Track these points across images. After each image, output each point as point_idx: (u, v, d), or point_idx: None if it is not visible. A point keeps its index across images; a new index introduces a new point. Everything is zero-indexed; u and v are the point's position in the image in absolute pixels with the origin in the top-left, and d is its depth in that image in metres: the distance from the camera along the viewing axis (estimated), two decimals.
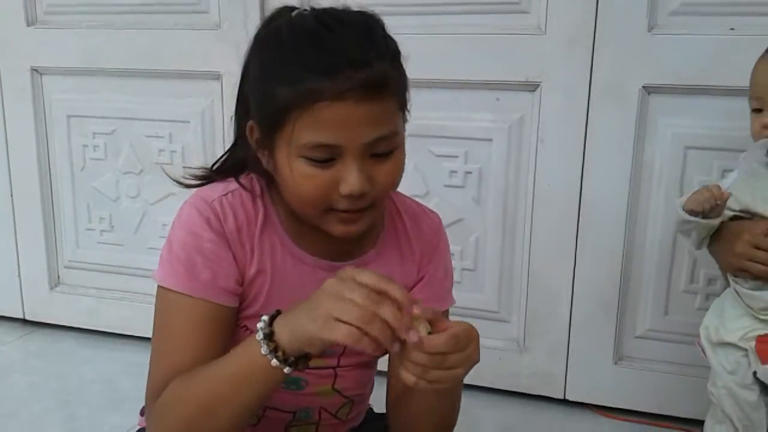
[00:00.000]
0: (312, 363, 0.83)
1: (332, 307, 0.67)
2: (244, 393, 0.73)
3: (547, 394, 1.67)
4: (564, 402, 1.67)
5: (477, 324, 1.54)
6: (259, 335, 0.71)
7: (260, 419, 0.89)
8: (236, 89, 0.86)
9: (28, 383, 1.78)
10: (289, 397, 0.89)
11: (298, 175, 0.76)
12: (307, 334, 0.69)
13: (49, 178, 2.00)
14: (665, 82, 1.47)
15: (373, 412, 1.07)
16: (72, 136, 1.95)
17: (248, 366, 0.72)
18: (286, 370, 0.71)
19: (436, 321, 0.71)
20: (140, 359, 1.84)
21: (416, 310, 0.68)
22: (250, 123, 0.82)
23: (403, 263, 0.92)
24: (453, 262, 1.65)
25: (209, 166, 0.91)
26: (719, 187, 1.14)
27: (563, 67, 1.52)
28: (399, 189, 1.02)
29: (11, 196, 2.02)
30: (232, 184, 0.86)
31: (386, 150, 0.78)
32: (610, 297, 1.59)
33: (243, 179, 0.86)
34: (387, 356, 0.93)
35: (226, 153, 0.91)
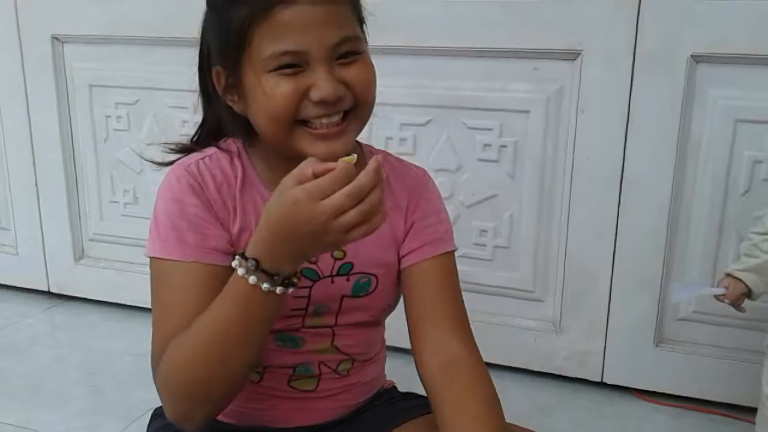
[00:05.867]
0: (309, 323, 0.87)
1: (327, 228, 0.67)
2: (247, 329, 0.74)
3: (584, 377, 1.62)
4: (602, 384, 1.61)
5: (511, 304, 1.52)
6: (241, 271, 0.71)
7: (262, 377, 0.90)
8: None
9: (54, 356, 1.77)
10: (287, 355, 0.89)
11: (268, 88, 0.75)
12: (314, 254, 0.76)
13: (72, 149, 1.97)
14: (715, 51, 1.38)
15: (398, 391, 1.04)
16: (94, 106, 1.92)
17: (241, 300, 0.72)
18: (279, 290, 0.72)
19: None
20: None
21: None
22: (215, 69, 0.81)
23: (388, 213, 0.88)
24: (486, 239, 1.64)
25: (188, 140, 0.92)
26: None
27: (606, 34, 1.43)
28: (425, 166, 0.98)
29: (34, 167, 2.00)
30: (209, 150, 0.87)
31: (352, 50, 0.77)
32: (652, 277, 1.52)
33: (221, 143, 0.88)
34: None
35: (201, 124, 0.91)
